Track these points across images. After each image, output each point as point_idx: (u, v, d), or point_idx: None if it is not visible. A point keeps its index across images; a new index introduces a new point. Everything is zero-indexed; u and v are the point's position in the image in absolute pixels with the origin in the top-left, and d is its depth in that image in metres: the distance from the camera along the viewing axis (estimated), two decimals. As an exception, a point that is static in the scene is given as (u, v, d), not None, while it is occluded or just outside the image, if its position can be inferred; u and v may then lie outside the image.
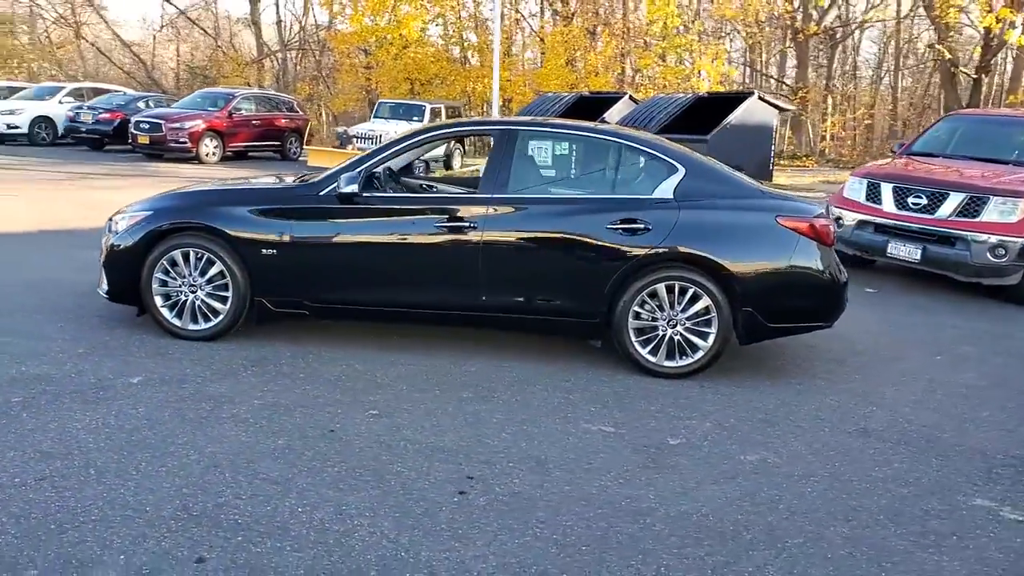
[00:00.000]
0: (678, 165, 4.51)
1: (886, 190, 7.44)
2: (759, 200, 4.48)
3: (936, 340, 5.55)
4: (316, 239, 4.49)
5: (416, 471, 3.11)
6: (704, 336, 4.39)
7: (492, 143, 4.60)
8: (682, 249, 4.33)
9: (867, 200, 7.62)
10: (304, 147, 17.88)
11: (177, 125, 16.12)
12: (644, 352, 4.44)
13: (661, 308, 4.38)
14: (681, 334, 4.41)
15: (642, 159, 4.59)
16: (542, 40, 28.69)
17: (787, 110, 15.23)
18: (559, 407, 3.91)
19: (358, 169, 4.49)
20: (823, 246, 4.44)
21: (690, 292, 4.35)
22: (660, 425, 3.77)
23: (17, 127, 18.41)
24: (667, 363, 4.44)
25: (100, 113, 17.64)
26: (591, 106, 14.42)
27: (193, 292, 4.55)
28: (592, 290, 4.40)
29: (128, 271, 4.56)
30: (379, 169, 4.65)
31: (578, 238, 4.37)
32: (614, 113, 13.95)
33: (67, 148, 18.41)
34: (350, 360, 4.40)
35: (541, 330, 4.60)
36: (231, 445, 3.24)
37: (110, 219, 4.72)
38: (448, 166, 17.33)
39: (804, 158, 23.13)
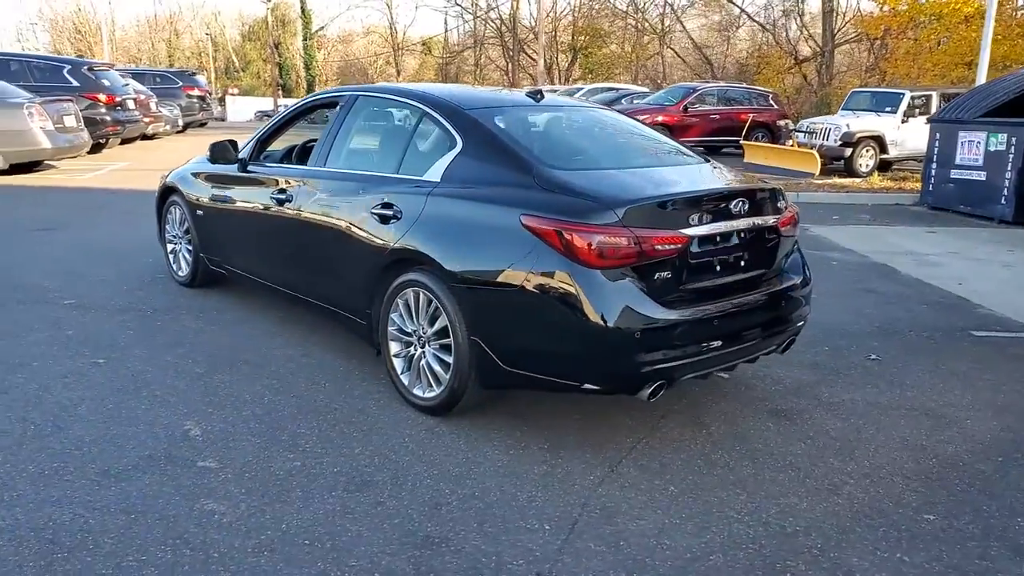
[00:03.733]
0: (458, 138, 3.46)
1: None
2: (525, 191, 3.13)
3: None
4: (217, 205, 4.83)
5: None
6: (446, 366, 3.34)
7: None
8: (412, 246, 3.37)
9: None
10: (743, 141, 16.70)
11: (627, 119, 17.02)
12: (399, 371, 3.59)
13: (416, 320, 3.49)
14: (427, 358, 3.44)
15: (436, 128, 3.62)
16: None
17: None
18: (214, 396, 3.56)
19: (250, 143, 4.65)
20: (585, 267, 2.89)
21: (433, 305, 3.35)
22: (258, 446, 3.13)
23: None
24: (415, 391, 3.52)
25: (587, 109, 19.66)
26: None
27: (180, 244, 5.39)
28: (356, 285, 3.75)
29: (158, 221, 5.63)
30: (275, 142, 4.72)
31: (345, 220, 3.77)
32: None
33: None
34: (221, 322, 4.66)
35: (336, 321, 4.06)
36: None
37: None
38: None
39: None
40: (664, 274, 3.01)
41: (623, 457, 3.15)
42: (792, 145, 15.15)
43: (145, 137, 17.35)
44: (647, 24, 38.11)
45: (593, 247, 2.87)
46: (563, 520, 2.68)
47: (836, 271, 6.66)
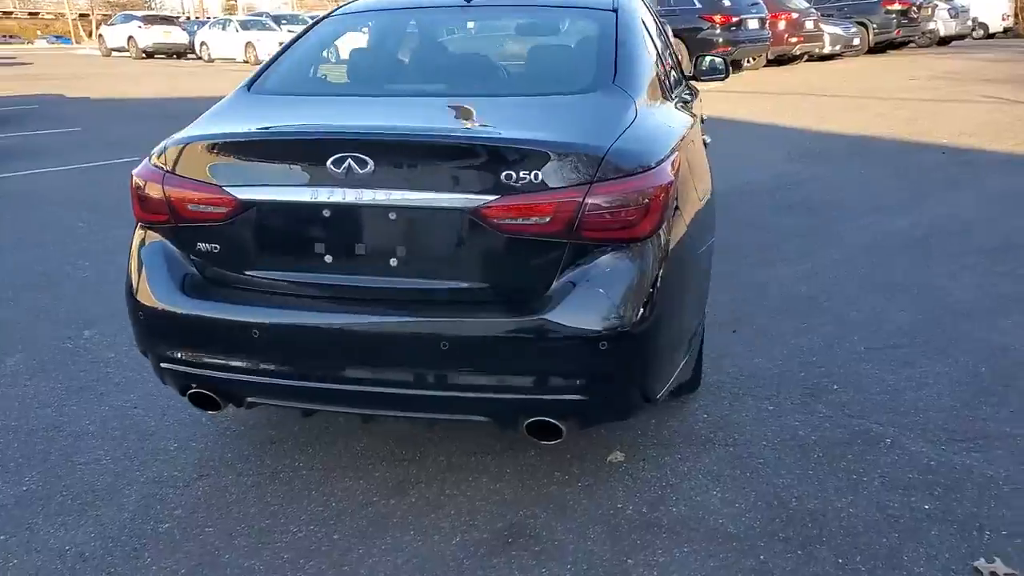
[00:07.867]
0: None
1: None
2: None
3: None
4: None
5: None
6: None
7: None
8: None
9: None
10: None
11: None
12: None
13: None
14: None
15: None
16: None
17: None
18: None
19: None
20: (137, 219, 2.26)
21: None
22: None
23: None
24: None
25: None
26: None
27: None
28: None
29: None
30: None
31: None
32: None
33: None
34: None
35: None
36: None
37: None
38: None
39: None
40: (211, 248, 2.07)
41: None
42: None
43: (824, 58, 17.56)
44: None
45: (136, 194, 2.21)
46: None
47: None
